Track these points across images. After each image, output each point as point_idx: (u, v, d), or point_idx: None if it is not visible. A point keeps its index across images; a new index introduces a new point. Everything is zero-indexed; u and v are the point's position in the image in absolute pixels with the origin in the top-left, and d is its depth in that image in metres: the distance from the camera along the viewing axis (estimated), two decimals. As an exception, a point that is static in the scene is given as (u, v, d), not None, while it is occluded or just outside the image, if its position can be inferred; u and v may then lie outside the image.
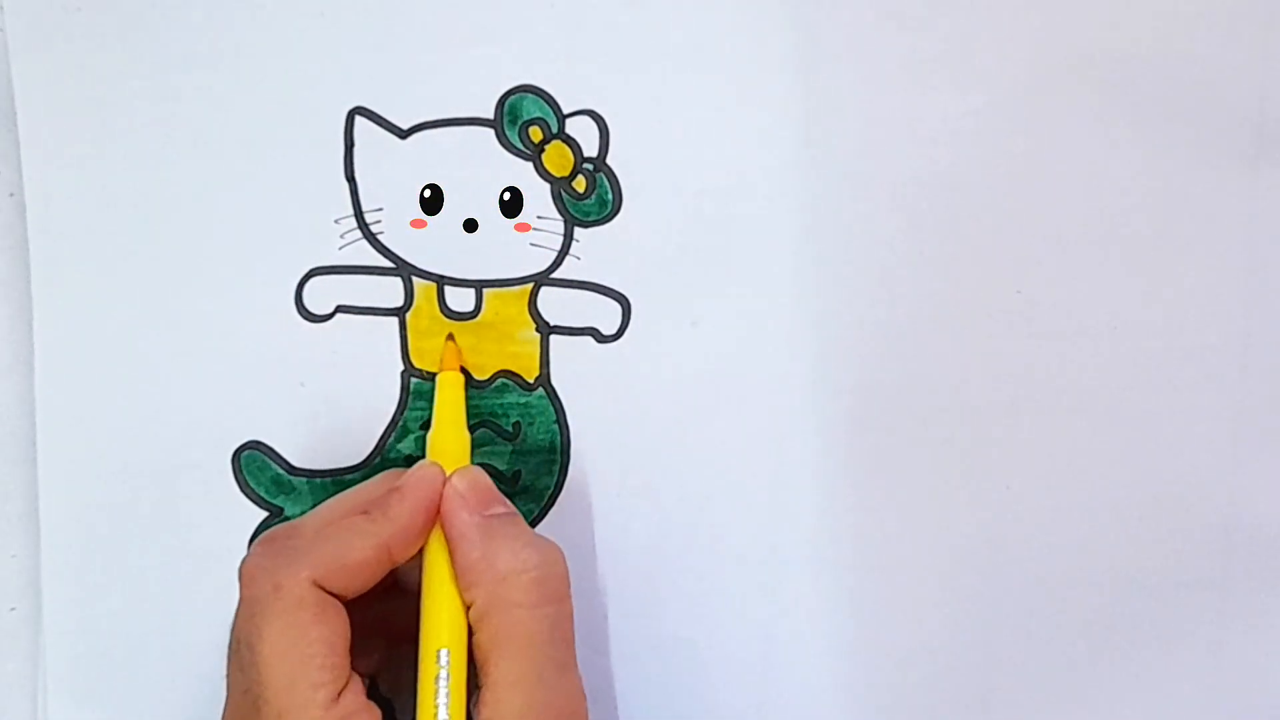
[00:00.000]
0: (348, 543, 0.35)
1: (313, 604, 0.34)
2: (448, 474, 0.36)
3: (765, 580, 0.40)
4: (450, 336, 0.40)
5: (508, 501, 0.37)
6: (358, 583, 0.35)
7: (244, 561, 0.35)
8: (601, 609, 0.41)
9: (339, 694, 0.33)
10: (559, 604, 0.35)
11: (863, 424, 0.40)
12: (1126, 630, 0.40)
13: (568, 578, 0.36)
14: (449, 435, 0.38)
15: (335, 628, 0.34)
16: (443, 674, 0.34)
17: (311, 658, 0.33)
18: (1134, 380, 0.40)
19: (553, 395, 0.40)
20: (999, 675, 0.41)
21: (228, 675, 0.35)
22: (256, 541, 0.36)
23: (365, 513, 0.35)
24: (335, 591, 0.34)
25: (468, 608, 0.35)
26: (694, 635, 0.41)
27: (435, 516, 0.36)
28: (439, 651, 0.35)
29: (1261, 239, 0.39)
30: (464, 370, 0.40)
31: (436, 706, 0.34)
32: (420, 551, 0.36)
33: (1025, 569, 0.40)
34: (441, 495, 0.36)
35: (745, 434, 0.40)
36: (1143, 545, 0.40)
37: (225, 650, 0.40)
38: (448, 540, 0.36)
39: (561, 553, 0.36)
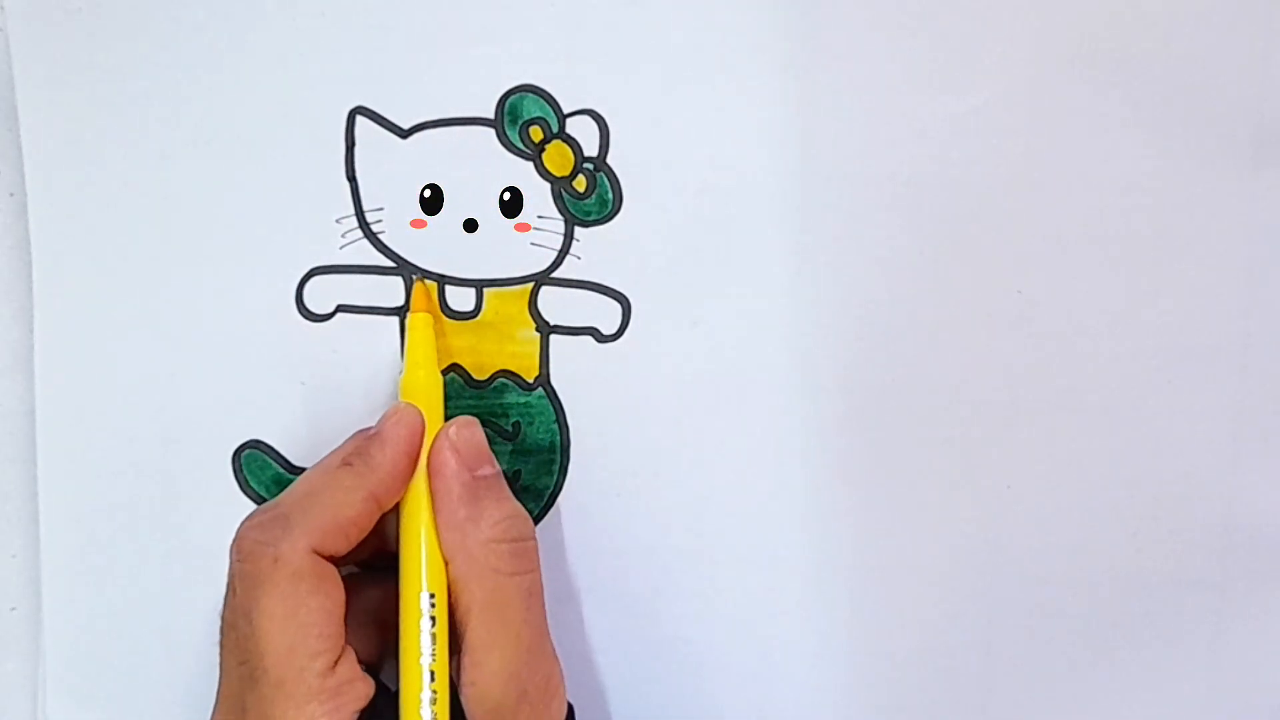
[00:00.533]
0: (337, 500, 0.35)
1: (311, 574, 0.34)
2: (424, 415, 0.37)
3: (765, 580, 0.40)
4: (421, 278, 0.39)
5: (494, 460, 0.37)
6: (352, 538, 0.35)
7: (238, 539, 0.35)
8: (601, 609, 0.41)
9: (335, 663, 0.34)
10: (534, 571, 0.36)
11: (863, 424, 0.40)
12: (1126, 630, 0.40)
13: (537, 544, 0.36)
14: (421, 376, 0.38)
15: (332, 597, 0.34)
16: (426, 618, 0.35)
17: (310, 627, 0.33)
18: (1134, 380, 0.40)
19: (552, 395, 0.40)
20: (999, 676, 0.41)
21: (221, 657, 0.35)
22: (245, 520, 0.36)
23: (348, 464, 0.36)
24: (331, 554, 0.35)
25: (445, 563, 0.35)
26: (693, 635, 0.41)
27: (417, 459, 0.36)
28: (422, 595, 0.35)
29: (1261, 239, 0.39)
30: (463, 369, 0.40)
31: (421, 649, 0.35)
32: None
33: (1025, 569, 0.40)
34: (429, 441, 0.36)
35: (745, 434, 0.40)
36: (1142, 545, 0.40)
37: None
38: (433, 492, 0.36)
39: (529, 518, 0.37)
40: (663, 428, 0.40)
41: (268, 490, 0.40)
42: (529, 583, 0.36)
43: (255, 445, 0.40)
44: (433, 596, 0.35)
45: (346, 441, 0.37)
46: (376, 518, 0.36)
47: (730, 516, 0.40)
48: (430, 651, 0.35)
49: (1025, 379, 0.40)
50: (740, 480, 0.40)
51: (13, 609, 0.42)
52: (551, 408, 0.40)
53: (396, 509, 0.36)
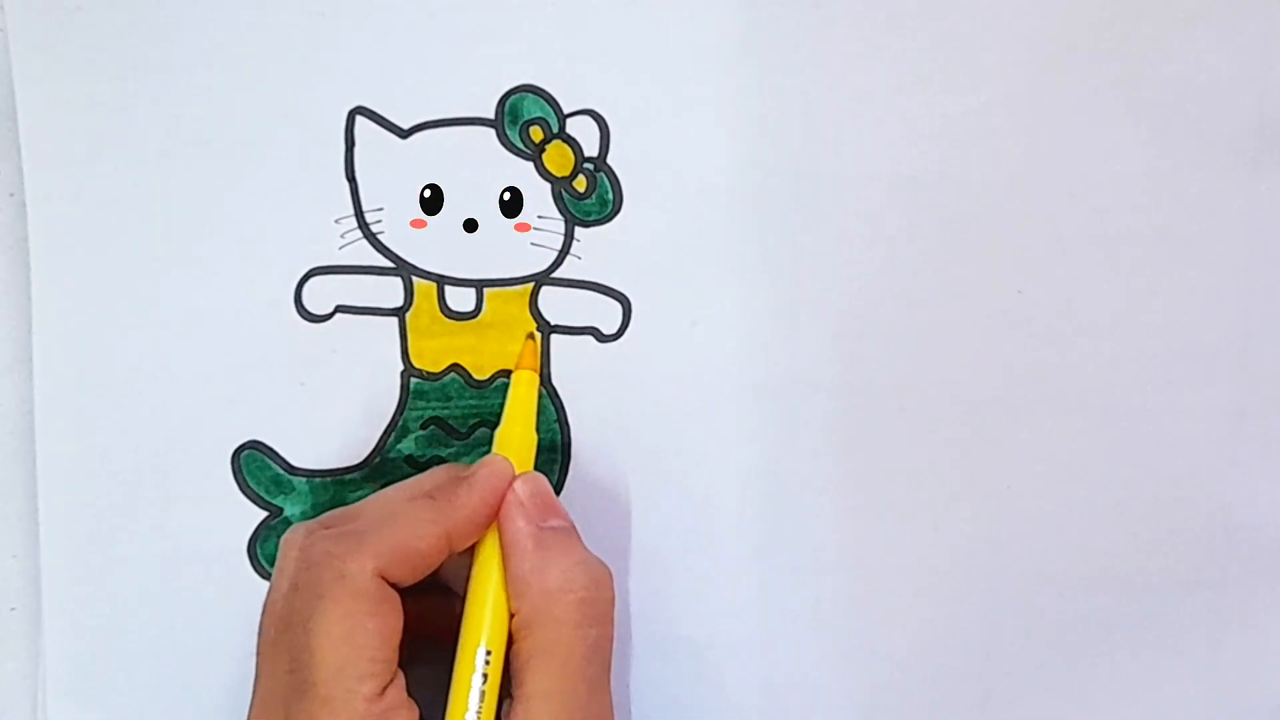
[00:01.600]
0: (413, 529, 0.35)
1: (373, 595, 0.34)
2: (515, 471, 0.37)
3: (765, 580, 0.40)
4: (531, 335, 0.40)
5: (566, 513, 0.37)
6: (418, 571, 0.35)
7: (303, 543, 0.35)
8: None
9: (384, 688, 0.33)
10: (602, 626, 0.35)
11: (863, 424, 0.40)
12: (1126, 630, 0.40)
13: (613, 601, 0.36)
14: (517, 433, 0.38)
15: (390, 621, 0.34)
16: (479, 674, 0.35)
17: (364, 649, 0.33)
18: (1134, 380, 0.40)
19: (553, 395, 0.40)
20: (998, 675, 0.41)
21: (261, 652, 0.35)
22: (316, 524, 0.36)
23: (431, 498, 0.36)
24: (395, 580, 0.34)
25: (511, 615, 0.35)
26: (694, 634, 0.41)
27: (498, 510, 0.36)
28: (479, 650, 0.35)
29: (1261, 239, 0.39)
30: (463, 369, 0.40)
31: (469, 705, 0.34)
32: (470, 550, 0.36)
33: (1025, 569, 0.40)
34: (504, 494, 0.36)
35: (745, 434, 0.40)
36: (1142, 545, 0.40)
37: (224, 648, 0.40)
38: (502, 545, 0.36)
39: (610, 575, 0.36)
40: (663, 428, 0.40)
41: (266, 490, 0.40)
42: (595, 637, 0.35)
43: (254, 446, 0.40)
44: (489, 653, 0.35)
45: (434, 472, 0.37)
46: (445, 557, 0.35)
47: (730, 516, 0.40)
48: (477, 709, 0.34)
49: (1025, 379, 0.40)
50: (740, 480, 0.40)
51: (13, 609, 0.42)
52: (552, 408, 0.40)
53: (469, 555, 0.36)
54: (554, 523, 0.36)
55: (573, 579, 0.35)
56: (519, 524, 0.36)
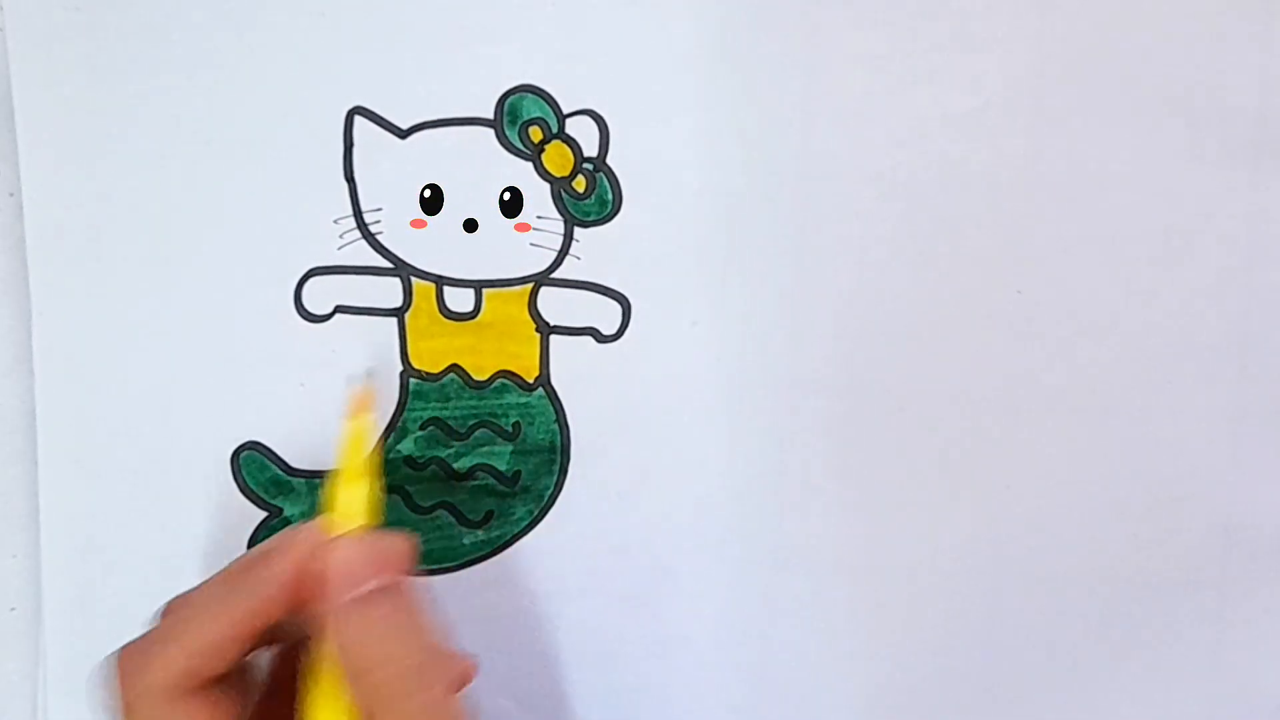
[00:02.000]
0: (206, 623, 0.33)
1: (182, 698, 0.32)
2: (333, 534, 0.33)
3: (765, 580, 0.40)
4: (370, 373, 0.38)
5: (395, 562, 0.33)
6: (230, 657, 0.33)
7: (114, 666, 0.33)
8: (601, 609, 0.41)
9: None
10: (441, 682, 0.32)
11: (862, 424, 0.40)
12: (1126, 630, 0.40)
13: (449, 651, 0.33)
14: (341, 491, 0.34)
15: (214, 713, 0.32)
16: None
17: None
18: (1134, 380, 0.40)
19: (553, 395, 0.40)
20: (998, 676, 0.41)
21: None
22: (134, 641, 0.33)
23: (227, 582, 0.33)
24: (210, 672, 0.32)
25: (354, 693, 0.32)
26: (693, 635, 0.41)
27: (305, 579, 0.33)
28: None
29: (1261, 239, 0.39)
30: (462, 370, 0.40)
31: None
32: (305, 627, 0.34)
33: (1025, 569, 0.40)
34: (321, 558, 0.33)
35: (745, 434, 0.40)
36: (1142, 545, 0.40)
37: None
38: (325, 619, 0.33)
39: (440, 625, 0.33)
40: (663, 428, 0.40)
41: (266, 491, 0.40)
42: (437, 698, 0.32)
43: (253, 446, 0.40)
44: None
45: (252, 552, 0.34)
46: (257, 637, 0.33)
47: (730, 517, 0.40)
48: None
49: (1025, 379, 0.40)
50: (740, 480, 0.40)
51: (12, 609, 0.42)
52: (551, 408, 0.40)
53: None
54: (372, 584, 0.33)
55: (395, 646, 0.32)
56: (334, 599, 0.32)
